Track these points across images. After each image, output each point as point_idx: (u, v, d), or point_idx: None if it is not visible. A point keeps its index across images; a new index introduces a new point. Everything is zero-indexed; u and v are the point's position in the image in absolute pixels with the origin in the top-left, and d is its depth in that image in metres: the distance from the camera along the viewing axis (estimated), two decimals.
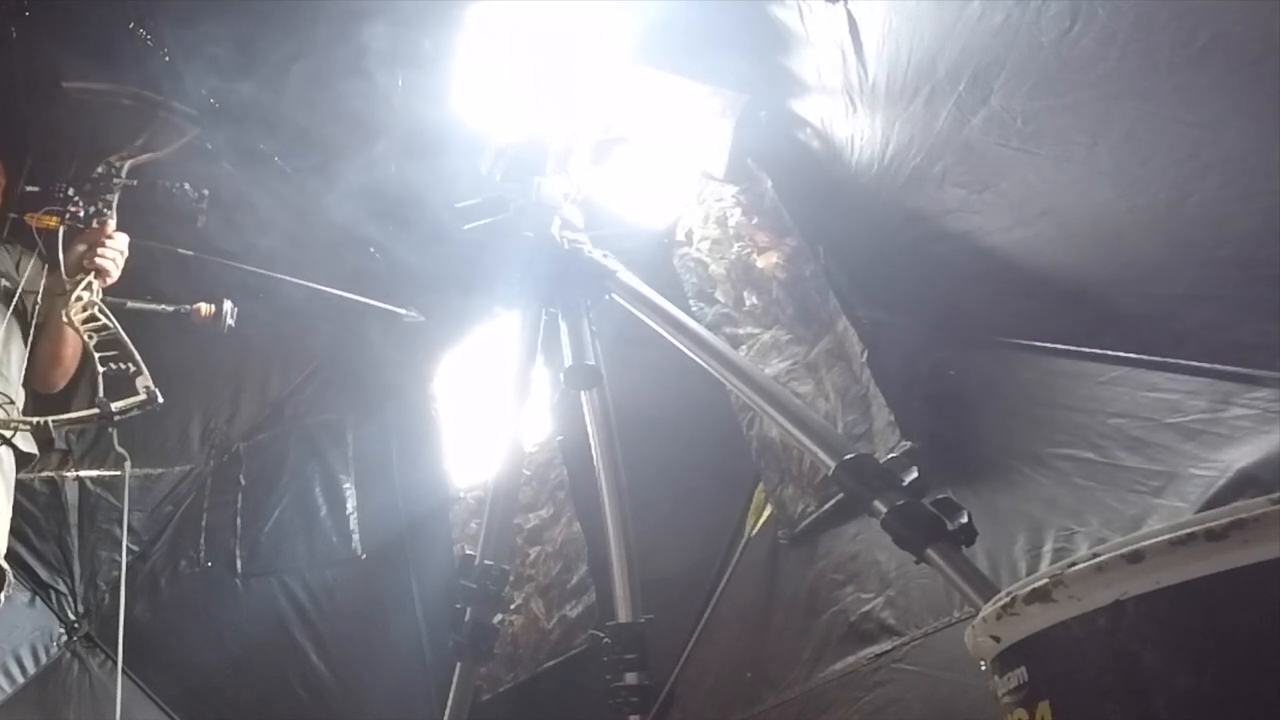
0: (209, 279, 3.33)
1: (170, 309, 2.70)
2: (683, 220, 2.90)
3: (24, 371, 2.57)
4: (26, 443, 2.50)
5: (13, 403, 2.44)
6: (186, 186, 2.61)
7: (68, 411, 3.38)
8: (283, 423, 4.14)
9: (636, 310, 2.22)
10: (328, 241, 3.64)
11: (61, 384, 2.77)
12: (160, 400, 2.29)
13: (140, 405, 2.27)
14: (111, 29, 2.90)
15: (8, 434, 2.32)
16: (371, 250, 3.76)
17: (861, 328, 2.29)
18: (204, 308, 2.69)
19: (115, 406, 2.25)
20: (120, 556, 3.64)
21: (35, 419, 2.28)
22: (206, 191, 2.63)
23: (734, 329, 2.66)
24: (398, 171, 3.24)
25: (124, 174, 2.59)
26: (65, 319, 2.41)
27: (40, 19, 2.86)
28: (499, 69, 2.75)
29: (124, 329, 2.44)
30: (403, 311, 3.67)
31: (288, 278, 3.46)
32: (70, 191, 2.52)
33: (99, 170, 2.58)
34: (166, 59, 2.98)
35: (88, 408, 3.63)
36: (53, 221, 2.49)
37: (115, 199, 2.56)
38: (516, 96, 2.70)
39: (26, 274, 2.61)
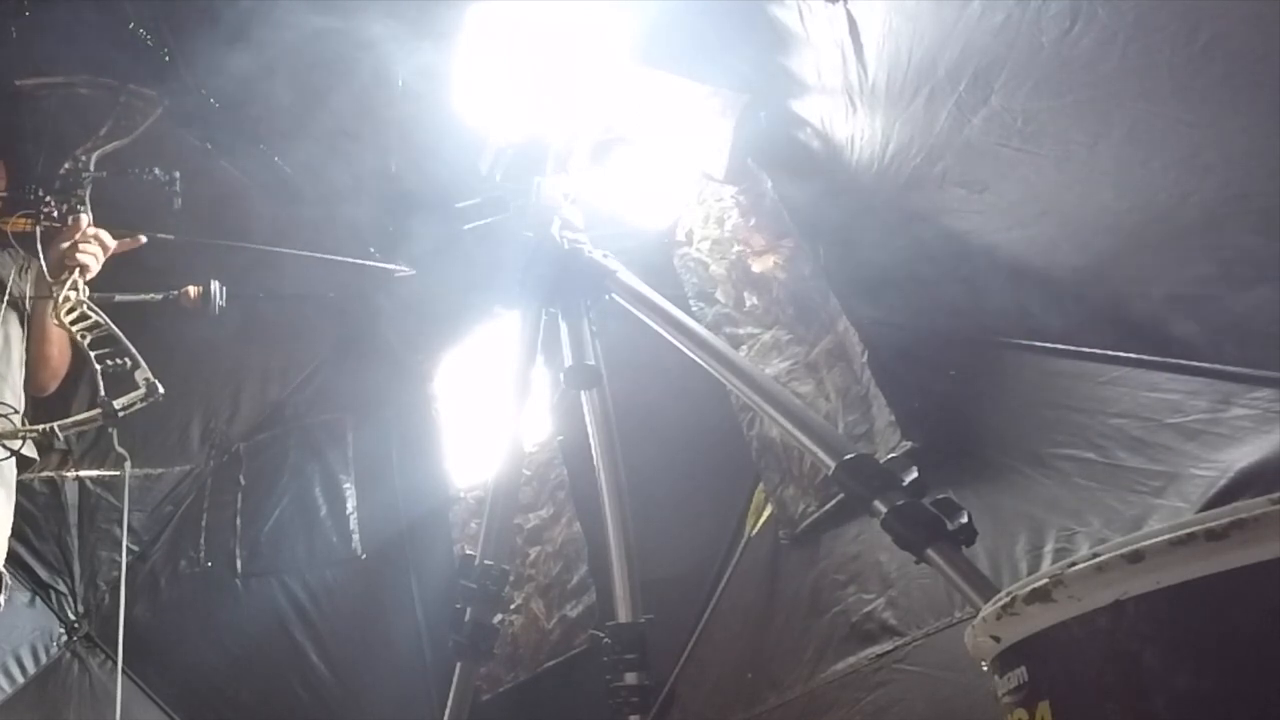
0: (197, 269, 3.32)
1: (159, 296, 2.68)
2: (683, 220, 2.90)
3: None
4: (28, 447, 2.50)
5: (17, 411, 2.42)
6: (156, 171, 2.58)
7: (66, 410, 3.39)
8: (283, 423, 4.14)
9: (636, 310, 2.22)
10: (325, 243, 3.65)
11: (53, 385, 2.76)
12: (161, 391, 2.26)
13: (142, 399, 2.26)
14: (111, 29, 2.90)
15: (15, 445, 2.31)
16: (371, 250, 3.76)
17: (862, 328, 2.29)
18: (192, 290, 2.67)
19: (118, 404, 2.23)
20: (120, 556, 3.65)
21: (41, 426, 2.26)
22: (178, 174, 2.61)
23: (734, 329, 2.66)
24: (398, 170, 3.25)
25: (92, 166, 2.56)
26: (55, 320, 2.40)
27: (40, 19, 2.86)
28: (499, 69, 2.75)
29: (118, 326, 2.43)
30: (394, 267, 3.67)
31: (274, 248, 3.44)
32: (41, 192, 2.49)
33: (66, 166, 2.54)
34: (167, 59, 2.98)
35: (88, 407, 3.64)
36: (27, 224, 2.48)
37: (87, 193, 2.53)
38: (516, 96, 2.69)
39: (14, 277, 2.60)
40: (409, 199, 3.39)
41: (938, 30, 1.77)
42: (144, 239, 2.65)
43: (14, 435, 2.28)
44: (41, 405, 2.71)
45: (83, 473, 3.86)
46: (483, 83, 2.85)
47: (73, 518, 3.92)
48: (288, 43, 2.78)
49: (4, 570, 2.45)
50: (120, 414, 2.22)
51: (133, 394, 2.24)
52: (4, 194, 2.57)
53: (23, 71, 2.81)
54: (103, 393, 2.24)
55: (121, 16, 2.92)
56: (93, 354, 2.30)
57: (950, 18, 1.72)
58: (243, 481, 4.03)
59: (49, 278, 2.46)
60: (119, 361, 2.28)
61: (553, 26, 2.62)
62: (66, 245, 2.50)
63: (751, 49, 2.34)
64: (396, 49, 2.88)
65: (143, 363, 2.29)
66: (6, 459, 2.33)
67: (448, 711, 2.23)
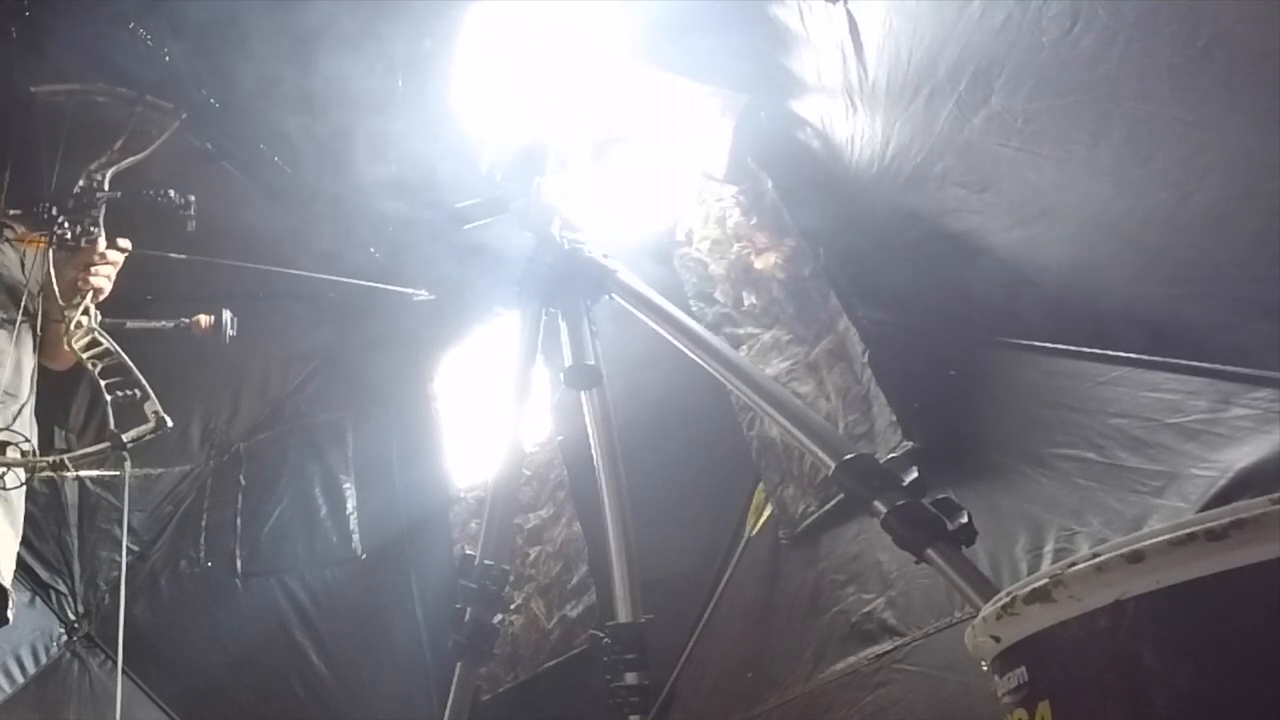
0: (208, 281, 3.33)
1: (170, 324, 2.69)
2: (683, 220, 2.91)
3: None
4: (28, 446, 2.50)
5: (28, 440, 2.39)
6: (172, 193, 2.57)
7: (66, 409, 3.40)
8: (283, 423, 4.14)
9: (636, 310, 2.22)
10: (325, 246, 3.65)
11: (65, 366, 2.75)
12: (170, 425, 2.30)
13: (151, 432, 2.29)
14: (112, 29, 2.90)
15: (24, 474, 2.32)
16: (371, 250, 3.76)
17: (862, 328, 2.29)
18: (203, 319, 2.68)
19: (127, 437, 2.26)
20: (120, 556, 3.65)
21: (52, 458, 2.30)
22: (192, 197, 2.60)
23: (734, 329, 2.66)
24: (398, 171, 3.25)
25: (106, 185, 2.55)
26: (67, 347, 2.40)
27: (40, 19, 2.85)
28: (499, 69, 2.75)
29: (125, 336, 2.44)
30: (411, 291, 3.67)
31: (289, 270, 3.46)
32: (55, 211, 2.47)
33: (80, 184, 2.53)
34: (167, 59, 2.98)
35: (89, 407, 3.65)
36: (40, 243, 2.47)
37: (101, 214, 2.52)
38: (516, 96, 2.70)
39: (26, 293, 2.59)
40: (408, 199, 3.39)
41: (938, 30, 1.77)
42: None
43: (25, 465, 2.29)
44: (42, 404, 2.70)
45: (83, 473, 3.86)
46: (483, 83, 2.85)
47: (73, 518, 3.92)
48: (288, 43, 2.78)
49: (8, 587, 2.43)
50: (129, 446, 2.26)
51: (143, 427, 2.28)
52: (16, 212, 2.56)
53: (24, 72, 2.80)
54: (112, 424, 2.27)
55: (122, 17, 2.91)
56: (103, 383, 2.32)
57: (950, 18, 1.72)
58: (243, 481, 4.03)
59: (61, 302, 2.45)
60: (130, 392, 2.31)
61: (553, 26, 2.62)
62: (80, 269, 2.48)
63: (751, 49, 2.34)
64: (397, 49, 2.88)
65: (152, 394, 2.31)
66: (18, 488, 2.34)
67: (448, 711, 2.23)
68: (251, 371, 4.13)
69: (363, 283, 3.65)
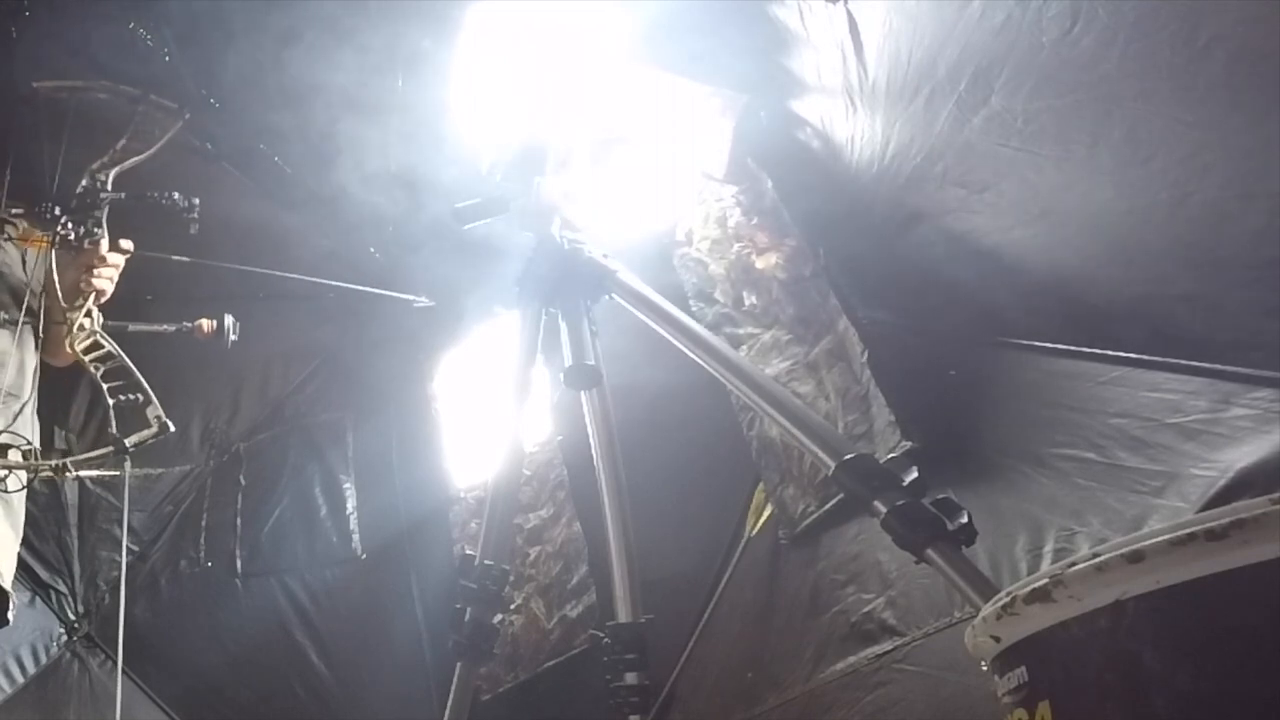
0: (208, 281, 3.33)
1: (172, 328, 2.68)
2: (683, 220, 2.90)
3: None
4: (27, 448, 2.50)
5: (30, 442, 2.40)
6: (176, 196, 2.57)
7: (66, 407, 3.39)
8: (283, 423, 4.14)
9: (636, 310, 2.22)
10: (325, 246, 3.66)
11: (68, 363, 2.76)
12: (172, 429, 2.31)
13: (153, 436, 2.30)
14: (112, 28, 2.90)
15: (27, 476, 2.33)
16: (371, 250, 3.76)
17: (862, 328, 2.29)
18: (206, 324, 2.68)
19: (130, 441, 2.27)
20: (120, 556, 3.65)
21: (55, 462, 2.31)
22: (197, 200, 2.59)
23: (734, 329, 2.66)
24: (398, 170, 3.25)
25: (110, 185, 2.54)
26: (69, 349, 2.40)
27: (40, 19, 2.85)
28: (499, 69, 2.75)
29: (125, 337, 2.44)
30: (411, 298, 3.67)
31: (292, 275, 3.46)
32: (57, 211, 2.47)
33: (83, 184, 2.53)
34: (167, 58, 2.98)
35: (89, 406, 3.64)
36: (43, 243, 2.46)
37: (104, 214, 2.51)
38: (516, 96, 2.69)
39: (28, 295, 2.58)
40: (408, 200, 3.39)
41: (938, 30, 1.77)
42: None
43: (27, 468, 2.30)
44: (42, 404, 2.70)
45: (83, 473, 3.86)
46: (483, 82, 2.85)
47: (73, 518, 3.92)
48: (288, 43, 2.78)
49: (9, 589, 2.43)
50: (131, 450, 2.27)
51: (145, 432, 2.29)
52: (18, 210, 2.56)
53: (24, 72, 2.80)
54: (114, 428, 2.27)
55: (122, 17, 2.91)
56: (105, 386, 2.32)
57: (950, 18, 1.72)
58: (243, 481, 4.03)
59: (63, 304, 2.44)
60: (132, 396, 2.31)
61: (553, 26, 2.62)
62: (82, 270, 2.47)
63: (751, 49, 2.34)
64: (396, 48, 2.88)
65: (154, 398, 2.31)
66: (20, 490, 2.34)
67: (448, 711, 2.23)
68: (251, 371, 4.13)
69: (363, 288, 3.66)
